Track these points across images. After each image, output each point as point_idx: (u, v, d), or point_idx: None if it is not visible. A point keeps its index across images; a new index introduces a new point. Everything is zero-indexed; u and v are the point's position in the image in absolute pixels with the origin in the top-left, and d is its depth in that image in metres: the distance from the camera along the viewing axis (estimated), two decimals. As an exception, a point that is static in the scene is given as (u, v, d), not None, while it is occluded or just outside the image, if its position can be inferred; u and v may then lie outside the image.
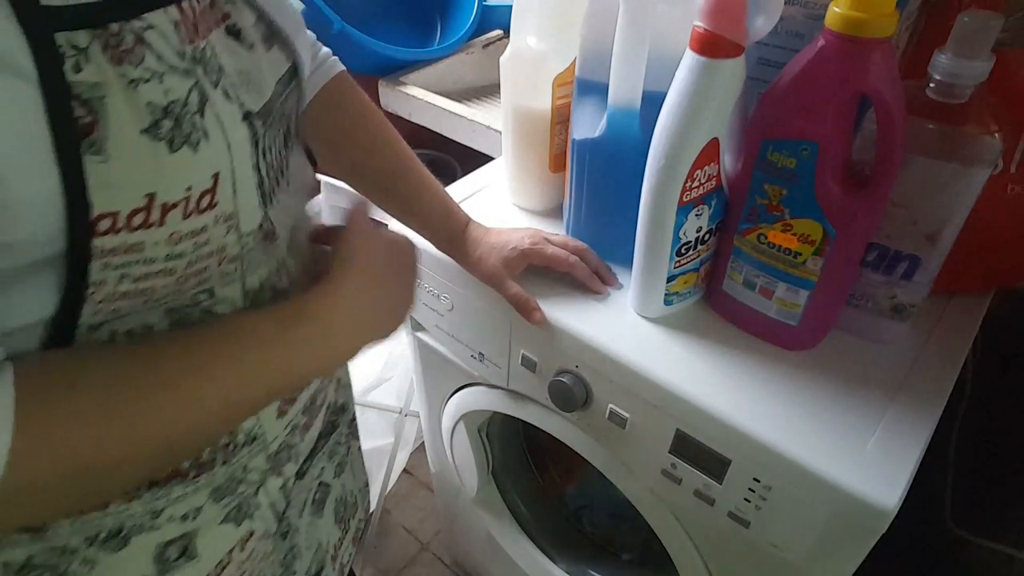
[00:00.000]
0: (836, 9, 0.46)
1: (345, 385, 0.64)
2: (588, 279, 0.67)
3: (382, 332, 0.49)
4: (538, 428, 0.78)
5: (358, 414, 0.69)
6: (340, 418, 0.62)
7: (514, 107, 0.74)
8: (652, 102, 0.57)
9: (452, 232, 0.68)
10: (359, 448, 0.69)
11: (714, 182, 0.57)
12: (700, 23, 0.49)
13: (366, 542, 1.36)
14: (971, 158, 0.51)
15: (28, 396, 0.30)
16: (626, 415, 0.65)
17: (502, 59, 0.71)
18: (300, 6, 1.03)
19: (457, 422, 0.90)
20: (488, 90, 1.29)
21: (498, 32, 1.32)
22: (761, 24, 0.50)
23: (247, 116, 0.38)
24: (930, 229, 0.56)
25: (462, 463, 0.98)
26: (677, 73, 0.52)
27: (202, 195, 0.35)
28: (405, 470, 1.49)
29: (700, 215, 0.58)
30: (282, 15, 0.44)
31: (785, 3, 0.51)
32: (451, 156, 1.37)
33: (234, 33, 0.38)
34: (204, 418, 0.36)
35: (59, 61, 0.28)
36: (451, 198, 0.69)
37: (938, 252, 0.57)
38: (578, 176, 0.69)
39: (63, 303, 0.33)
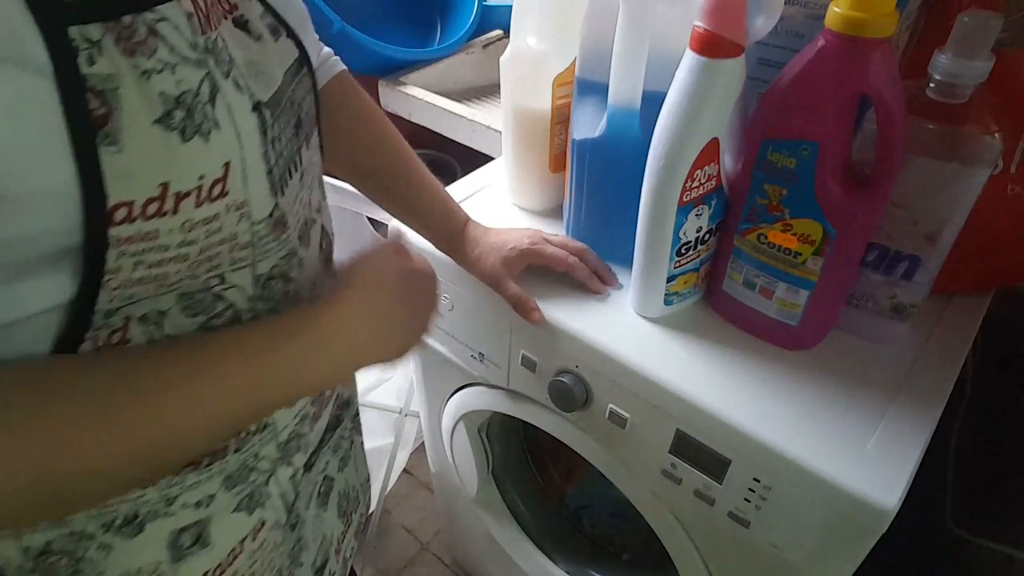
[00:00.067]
0: (836, 9, 0.46)
1: (351, 380, 0.64)
2: (587, 279, 0.67)
3: (383, 356, 0.48)
4: (538, 428, 0.78)
5: (358, 414, 0.69)
6: (345, 412, 0.62)
7: (514, 107, 0.74)
8: (652, 102, 0.57)
9: (452, 232, 0.68)
10: (361, 443, 0.69)
11: (714, 182, 0.57)
12: (700, 23, 0.49)
13: (366, 542, 1.36)
14: (971, 158, 0.51)
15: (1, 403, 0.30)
16: (626, 415, 0.65)
17: (502, 59, 0.71)
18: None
19: (457, 422, 0.90)
20: (488, 90, 1.29)
21: (498, 32, 1.32)
22: (761, 24, 0.50)
23: (256, 106, 0.38)
24: (930, 229, 0.56)
25: (462, 463, 0.98)
26: (677, 73, 0.52)
27: (214, 184, 0.35)
28: (405, 470, 1.49)
29: (700, 215, 0.58)
30: (287, 8, 0.45)
31: (785, 3, 0.51)
32: (451, 156, 1.37)
33: (241, 25, 0.39)
34: (185, 430, 0.36)
35: (73, 54, 0.29)
36: (451, 198, 0.69)
37: (938, 252, 0.57)
38: (578, 176, 0.69)
39: (80, 290, 0.33)
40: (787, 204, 0.55)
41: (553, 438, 0.77)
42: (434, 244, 0.69)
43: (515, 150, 0.77)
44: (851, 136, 0.53)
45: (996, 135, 0.50)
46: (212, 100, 0.34)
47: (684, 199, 0.56)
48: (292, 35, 0.44)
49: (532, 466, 1.06)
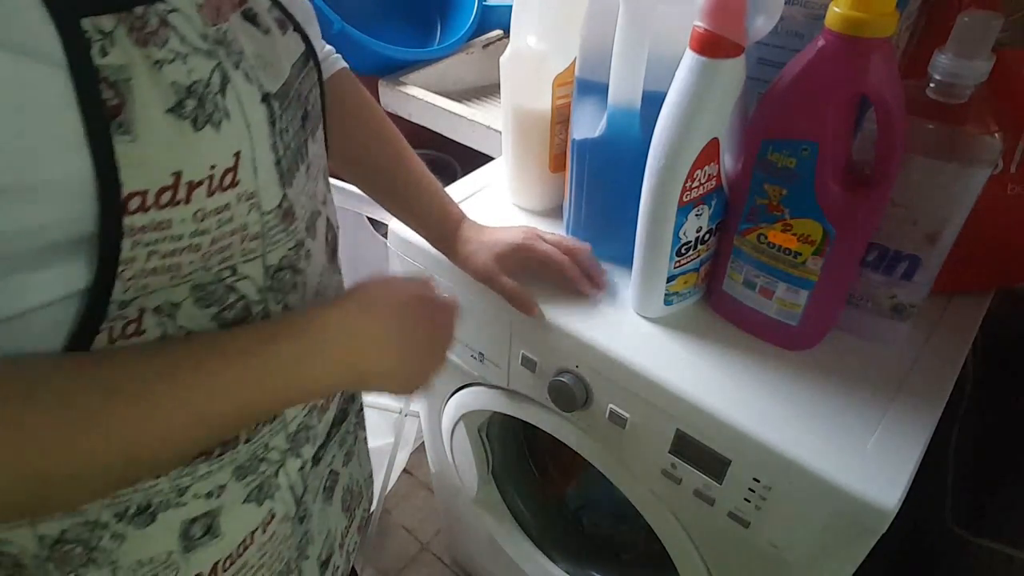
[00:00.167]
0: (836, 9, 0.46)
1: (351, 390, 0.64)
2: (577, 279, 0.66)
3: (388, 377, 0.47)
4: (538, 428, 0.78)
5: (358, 414, 0.69)
6: (350, 407, 0.62)
7: (514, 107, 0.74)
8: (652, 102, 0.57)
9: (446, 230, 0.68)
10: (365, 439, 0.69)
11: (714, 182, 0.57)
12: (700, 23, 0.49)
13: (366, 542, 1.36)
14: (971, 158, 0.51)
15: None
16: (626, 415, 0.65)
17: (502, 59, 0.71)
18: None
19: (457, 422, 0.90)
20: (488, 90, 1.29)
21: (498, 32, 1.32)
22: (761, 24, 0.50)
23: (265, 97, 0.39)
24: (930, 229, 0.56)
25: (462, 463, 0.98)
26: (677, 73, 0.52)
27: (225, 173, 0.36)
28: (405, 470, 1.49)
29: (700, 215, 0.58)
30: (293, 3, 0.45)
31: (785, 3, 0.51)
32: (451, 156, 1.37)
33: (250, 18, 0.39)
34: (170, 431, 0.36)
35: (86, 46, 0.29)
36: (448, 197, 0.69)
37: (938, 252, 0.57)
38: (578, 176, 0.69)
39: (96, 279, 0.34)
40: (787, 204, 0.55)
41: (553, 438, 0.77)
42: (429, 241, 0.70)
43: (515, 150, 0.77)
44: (851, 136, 0.53)
45: (996, 135, 0.50)
46: (223, 90, 0.35)
47: (684, 199, 0.56)
48: (298, 29, 0.45)
49: (532, 466, 1.06)
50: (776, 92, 0.52)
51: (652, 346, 0.63)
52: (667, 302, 0.64)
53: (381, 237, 1.17)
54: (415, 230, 0.69)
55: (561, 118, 0.72)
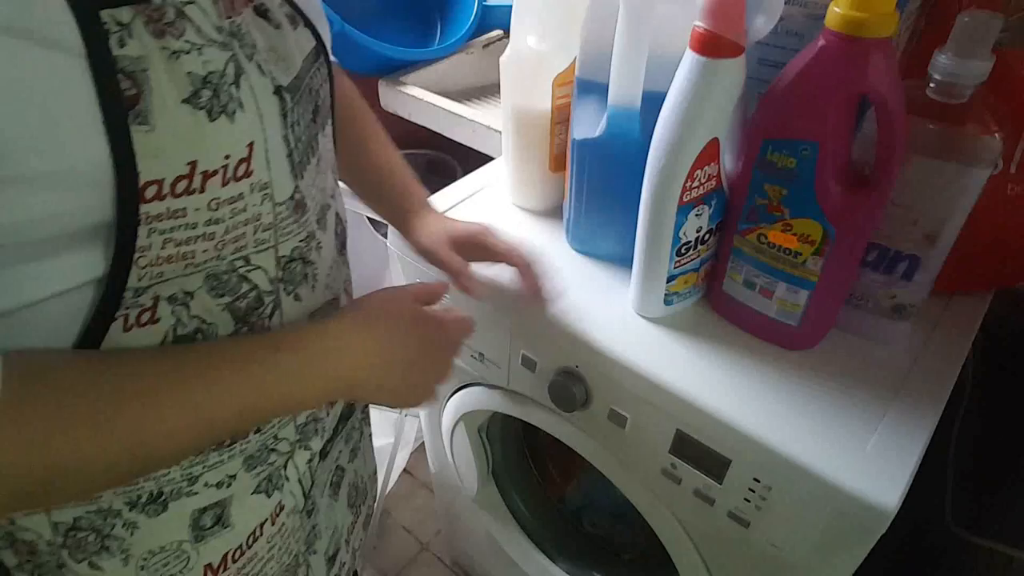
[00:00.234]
0: (836, 9, 0.46)
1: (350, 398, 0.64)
2: (527, 274, 0.63)
3: (388, 388, 0.48)
4: (538, 428, 0.78)
5: (359, 414, 0.69)
6: (356, 402, 0.62)
7: (514, 107, 0.74)
8: (652, 102, 0.57)
9: (405, 208, 0.67)
10: (370, 435, 0.70)
11: (714, 182, 0.57)
12: (700, 23, 0.49)
13: (367, 541, 1.36)
14: (971, 158, 0.51)
15: (7, 390, 0.31)
16: (626, 415, 0.65)
17: (502, 59, 0.71)
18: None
19: (457, 422, 0.90)
20: (488, 90, 1.29)
21: (498, 32, 1.32)
22: (761, 24, 0.50)
23: (278, 90, 0.39)
24: (930, 229, 0.56)
25: (462, 463, 0.98)
26: (677, 73, 0.52)
27: (239, 163, 0.36)
28: (405, 470, 1.49)
29: (700, 215, 0.58)
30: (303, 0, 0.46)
31: (785, 3, 0.51)
32: (451, 156, 1.37)
33: (262, 12, 0.40)
34: (173, 431, 0.37)
35: (105, 37, 0.30)
36: (416, 182, 0.67)
37: (938, 252, 0.57)
38: (578, 176, 0.69)
39: (112, 267, 0.35)
40: (787, 204, 0.55)
41: (553, 438, 0.77)
42: (386, 218, 0.68)
43: (515, 150, 0.77)
44: (851, 136, 0.53)
45: (996, 135, 0.50)
46: (237, 81, 0.36)
47: (684, 199, 0.56)
48: (309, 25, 0.46)
49: (532, 466, 1.06)
50: (776, 92, 0.52)
51: (652, 346, 0.63)
52: (667, 302, 0.64)
53: (381, 237, 1.17)
54: (375, 209, 0.68)
55: (561, 118, 0.72)
